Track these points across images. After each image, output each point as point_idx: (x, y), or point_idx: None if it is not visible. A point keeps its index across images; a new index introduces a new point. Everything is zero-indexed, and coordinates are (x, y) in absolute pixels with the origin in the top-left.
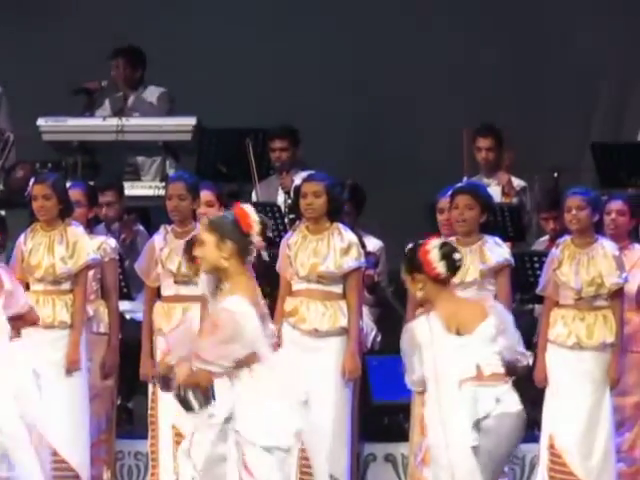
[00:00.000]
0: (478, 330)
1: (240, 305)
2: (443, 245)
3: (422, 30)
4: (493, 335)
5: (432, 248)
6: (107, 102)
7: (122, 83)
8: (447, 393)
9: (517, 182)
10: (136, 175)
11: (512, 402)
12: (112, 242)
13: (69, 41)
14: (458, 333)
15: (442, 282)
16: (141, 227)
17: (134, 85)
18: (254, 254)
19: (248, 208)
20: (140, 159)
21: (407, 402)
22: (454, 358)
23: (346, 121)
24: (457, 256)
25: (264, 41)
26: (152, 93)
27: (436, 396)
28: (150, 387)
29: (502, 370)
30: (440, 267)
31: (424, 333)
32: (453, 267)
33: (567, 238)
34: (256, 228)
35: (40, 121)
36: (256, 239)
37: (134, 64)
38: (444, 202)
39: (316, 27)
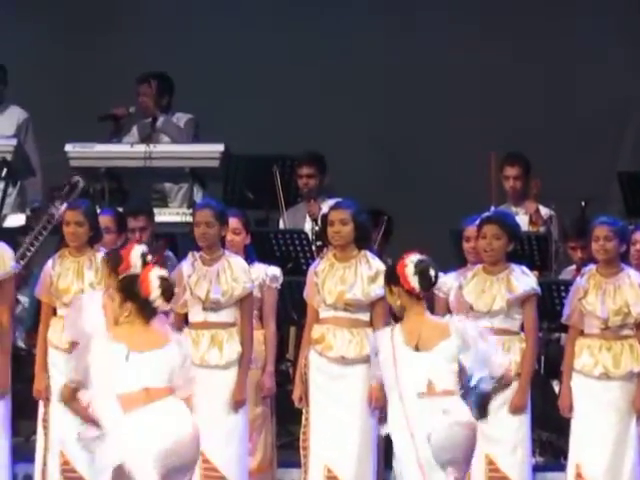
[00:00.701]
0: (437, 348)
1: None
2: (420, 261)
3: (453, 58)
4: (454, 355)
5: (409, 262)
6: (134, 128)
7: (153, 106)
8: (406, 404)
9: (544, 211)
10: (163, 202)
11: (461, 413)
12: None
13: (98, 67)
14: (417, 348)
15: (415, 296)
16: (170, 253)
17: (162, 111)
18: (159, 312)
19: (153, 273)
20: (167, 186)
21: None
22: (409, 371)
23: (374, 147)
24: (432, 273)
25: (292, 68)
26: (179, 119)
27: (399, 406)
28: None
29: (455, 388)
30: (414, 281)
31: (385, 343)
32: (427, 283)
33: (592, 267)
34: (155, 293)
35: (68, 147)
36: (157, 302)
37: (161, 90)
38: (470, 230)
39: (346, 53)
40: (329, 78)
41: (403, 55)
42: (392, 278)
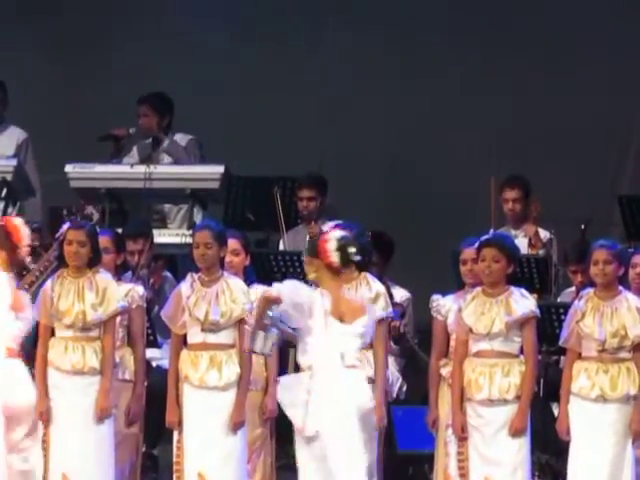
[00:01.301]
0: (356, 323)
1: None
2: (342, 237)
3: (452, 79)
4: (363, 332)
5: (331, 238)
6: (135, 149)
7: (156, 128)
8: (335, 371)
9: (544, 234)
10: (162, 222)
11: (360, 390)
12: (140, 289)
13: (97, 87)
14: (341, 320)
15: (334, 271)
16: (169, 274)
17: (163, 131)
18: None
19: (19, 221)
20: (167, 206)
21: (432, 452)
22: (335, 340)
23: (376, 169)
24: (352, 250)
25: (293, 89)
26: (180, 140)
27: (323, 371)
28: (175, 435)
29: (359, 364)
30: (334, 257)
31: (319, 306)
32: (346, 259)
33: (590, 290)
34: (25, 241)
35: (68, 167)
36: (24, 250)
37: (162, 111)
38: (467, 252)
39: (347, 75)
40: (329, 100)
41: (404, 77)
42: (313, 251)
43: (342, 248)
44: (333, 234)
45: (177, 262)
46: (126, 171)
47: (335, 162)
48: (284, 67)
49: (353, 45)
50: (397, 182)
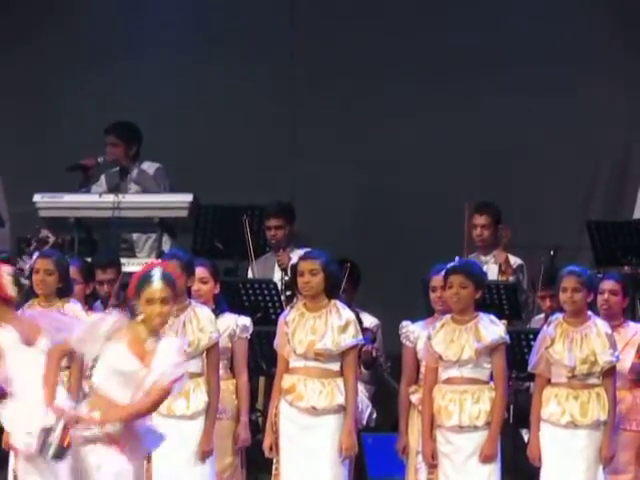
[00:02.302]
0: (39, 341)
1: None
2: (12, 270)
3: (420, 105)
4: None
5: (5, 274)
6: (103, 178)
7: (124, 157)
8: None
9: (514, 260)
10: (131, 251)
11: None
12: None
13: (66, 118)
14: (27, 344)
15: (10, 303)
16: None
17: (131, 160)
18: None
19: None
20: (135, 235)
21: (402, 479)
22: (30, 367)
23: (345, 197)
24: (24, 281)
25: (260, 117)
26: (148, 168)
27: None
28: (144, 464)
29: None
30: (12, 290)
31: (9, 341)
32: (22, 289)
33: (559, 316)
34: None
35: (36, 197)
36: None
37: (129, 139)
38: (436, 280)
39: (315, 104)
40: (299, 128)
41: (376, 106)
42: None
43: (17, 281)
44: (2, 270)
45: None
46: (94, 200)
47: (304, 190)
48: (251, 95)
49: (322, 72)
50: (366, 209)
